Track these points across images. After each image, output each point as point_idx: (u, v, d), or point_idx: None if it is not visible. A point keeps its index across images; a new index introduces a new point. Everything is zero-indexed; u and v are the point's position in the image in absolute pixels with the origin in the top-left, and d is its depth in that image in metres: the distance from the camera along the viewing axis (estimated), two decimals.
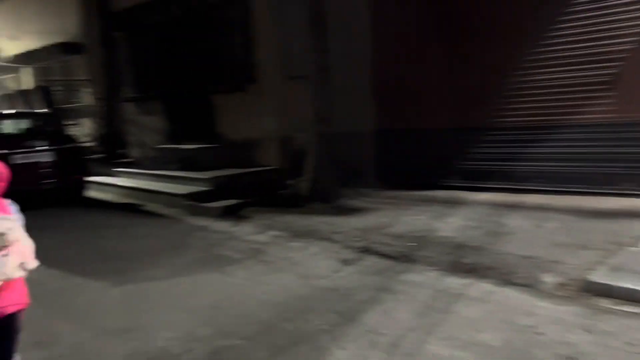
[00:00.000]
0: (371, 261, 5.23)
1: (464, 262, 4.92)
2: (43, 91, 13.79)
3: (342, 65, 8.50)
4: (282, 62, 9.15)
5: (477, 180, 7.97)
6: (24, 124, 9.81)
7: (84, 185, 9.49)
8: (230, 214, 7.51)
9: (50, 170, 8.86)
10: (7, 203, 2.48)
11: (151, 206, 8.73)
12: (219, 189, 8.42)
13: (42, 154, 8.77)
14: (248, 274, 5.10)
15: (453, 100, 8.10)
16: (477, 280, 4.54)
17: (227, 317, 4.09)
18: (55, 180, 8.90)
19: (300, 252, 5.68)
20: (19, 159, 8.51)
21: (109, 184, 10.36)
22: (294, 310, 4.16)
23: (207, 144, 9.98)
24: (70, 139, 9.53)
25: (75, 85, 15.53)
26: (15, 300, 2.39)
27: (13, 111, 10.97)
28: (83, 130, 15.14)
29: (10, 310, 2.37)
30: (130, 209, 8.75)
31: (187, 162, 9.67)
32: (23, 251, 2.30)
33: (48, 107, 13.07)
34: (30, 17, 17.98)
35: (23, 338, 3.99)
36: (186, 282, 4.96)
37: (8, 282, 2.28)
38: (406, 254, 5.27)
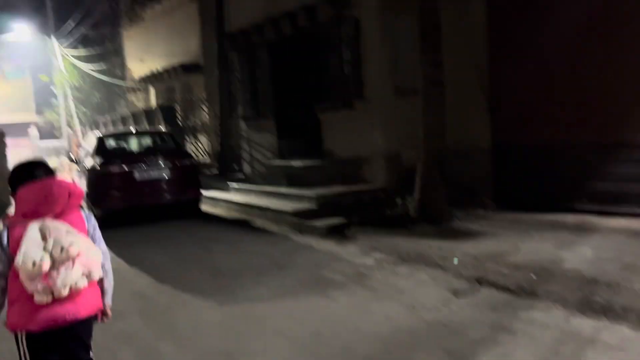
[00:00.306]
0: (486, 294, 4.77)
1: (596, 300, 4.30)
2: (165, 110, 14.68)
3: (454, 77, 8.07)
4: (391, 77, 8.90)
5: (614, 204, 6.99)
6: (146, 142, 10.42)
7: (200, 200, 9.86)
8: (335, 233, 7.34)
9: (170, 185, 9.29)
10: (83, 216, 2.62)
11: (260, 222, 8.83)
12: (324, 207, 8.30)
13: (163, 170, 9.22)
14: (352, 300, 4.86)
15: (585, 112, 7.25)
16: (612, 323, 3.94)
17: (328, 348, 3.88)
18: (174, 195, 9.32)
19: (407, 279, 5.34)
20: (142, 175, 9.01)
21: (222, 199, 10.68)
22: (399, 345, 3.85)
23: (314, 161, 9.96)
24: (188, 155, 9.96)
25: (194, 103, 16.38)
26: (86, 307, 2.47)
27: (137, 129, 11.77)
28: (200, 146, 15.91)
29: (81, 316, 2.44)
30: (241, 224, 8.90)
31: (295, 178, 9.69)
32: (87, 262, 2.42)
33: (169, 125, 13.89)
34: (157, 40, 19.33)
35: (127, 355, 4.11)
36: (289, 305, 4.83)
37: (77, 291, 2.39)
38: (527, 288, 4.73)
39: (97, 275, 2.49)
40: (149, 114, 15.72)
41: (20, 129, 30.27)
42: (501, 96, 8.25)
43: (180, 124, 15.29)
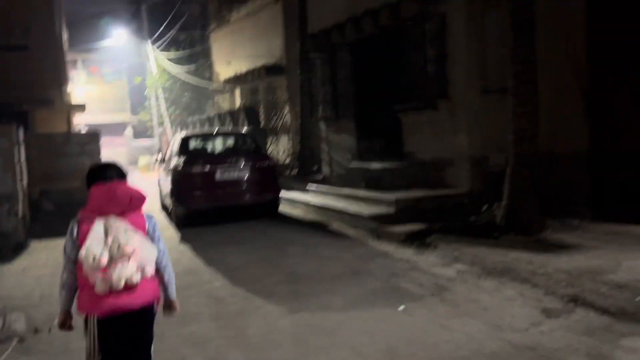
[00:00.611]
0: (582, 315, 4.28)
1: None
2: (248, 111, 14.89)
3: (548, 76, 7.46)
4: (478, 76, 8.41)
5: None
6: (228, 142, 10.56)
7: (278, 201, 9.84)
8: (414, 240, 7.00)
9: (249, 186, 9.34)
10: (145, 217, 2.80)
11: (336, 225, 8.65)
12: (403, 212, 7.98)
13: (243, 171, 9.27)
14: (430, 315, 4.54)
15: None
16: None
17: None
18: (253, 196, 9.36)
19: (492, 294, 4.93)
20: (222, 176, 9.12)
21: (300, 200, 10.62)
22: None
23: (394, 163, 9.64)
24: (268, 156, 10.00)
25: (276, 105, 16.52)
26: (140, 299, 2.66)
27: (218, 130, 11.97)
28: (281, 147, 16.01)
29: (135, 307, 2.64)
30: (317, 227, 8.78)
31: (373, 181, 9.43)
32: (142, 259, 2.63)
33: (251, 125, 14.07)
34: (242, 42, 19.71)
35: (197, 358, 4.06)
36: (362, 316, 4.59)
37: (132, 284, 2.60)
38: (630, 311, 4.20)
39: (150, 271, 2.69)
40: (233, 115, 16.04)
41: (117, 129, 32.13)
42: (601, 97, 7.51)
43: (262, 125, 15.45)
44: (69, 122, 16.36)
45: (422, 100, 9.01)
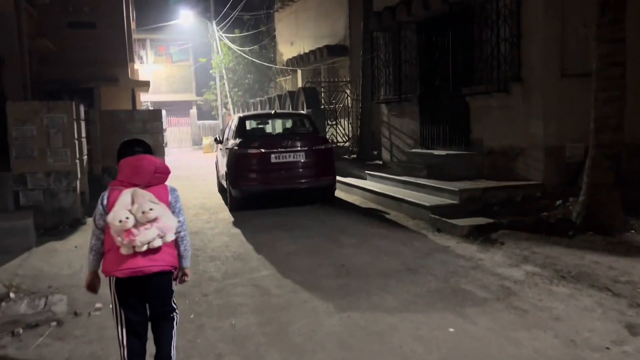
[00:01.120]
0: None
1: None
2: (307, 92, 14.54)
3: (635, 58, 6.64)
4: (556, 57, 7.65)
5: None
6: (284, 124, 10.26)
7: (334, 186, 9.46)
8: (478, 235, 6.45)
9: (305, 170, 9.01)
10: (168, 189, 3.05)
11: (394, 214, 8.20)
12: (467, 203, 7.42)
13: (298, 154, 8.95)
14: (493, 323, 4.04)
15: None
16: None
17: None
18: (309, 180, 9.03)
19: (566, 302, 4.36)
20: (278, 158, 8.83)
21: (357, 186, 10.21)
22: None
23: (458, 150, 9.04)
24: (325, 139, 9.59)
25: (337, 86, 16.09)
26: (160, 262, 2.90)
27: (276, 111, 11.66)
28: (341, 130, 15.59)
29: (155, 269, 2.87)
30: (374, 215, 8.35)
31: (436, 169, 8.88)
32: (163, 226, 2.88)
33: (310, 107, 13.71)
34: (306, 23, 19.36)
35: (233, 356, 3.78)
36: (417, 320, 4.15)
37: (153, 248, 2.85)
38: None
39: (169, 238, 2.92)
40: (293, 96, 15.75)
41: (182, 109, 32.74)
42: None
43: (322, 106, 15.07)
44: (133, 99, 16.60)
45: (493, 83, 8.32)
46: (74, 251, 6.68)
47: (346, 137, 15.54)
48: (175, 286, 3.11)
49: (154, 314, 3.01)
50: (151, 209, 2.82)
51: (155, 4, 29.78)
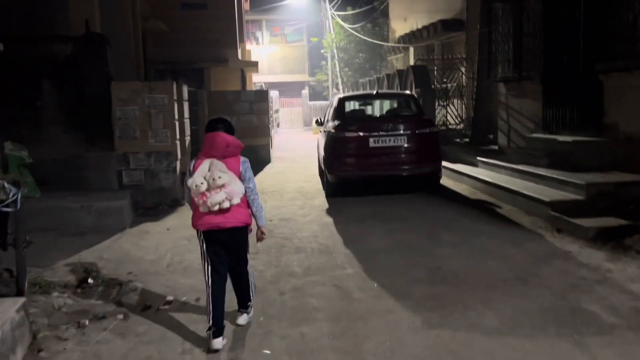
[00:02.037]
0: None
1: None
2: (417, 71, 13.62)
3: None
4: None
5: None
6: (386, 105, 9.56)
7: (439, 174, 8.63)
8: (607, 239, 5.40)
9: (407, 155, 8.30)
10: (240, 160, 3.65)
11: (507, 209, 7.25)
12: (596, 200, 6.30)
13: (400, 138, 8.24)
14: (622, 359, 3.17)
15: None
16: None
17: None
18: (411, 166, 8.32)
19: None
20: (377, 142, 8.20)
21: (467, 174, 9.28)
22: None
23: (588, 136, 7.79)
24: (430, 122, 8.73)
25: (452, 64, 14.98)
26: (231, 220, 3.55)
27: (377, 92, 10.91)
28: (453, 111, 14.52)
29: (229, 225, 3.55)
30: (483, 209, 7.46)
31: (559, 158, 7.73)
32: (230, 191, 3.47)
33: (419, 87, 12.82)
34: None
35: None
36: (520, 348, 3.40)
37: (223, 209, 3.49)
38: None
39: (235, 201, 3.52)
40: (401, 75, 14.88)
41: (296, 89, 32.96)
42: None
43: (433, 86, 14.06)
44: (243, 80, 16.72)
45: (635, 58, 6.97)
46: (164, 234, 6.60)
47: (459, 119, 14.43)
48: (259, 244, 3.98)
49: (232, 267, 3.71)
50: (220, 177, 3.44)
51: None
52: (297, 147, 18.57)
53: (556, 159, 7.82)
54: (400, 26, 20.43)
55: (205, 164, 3.47)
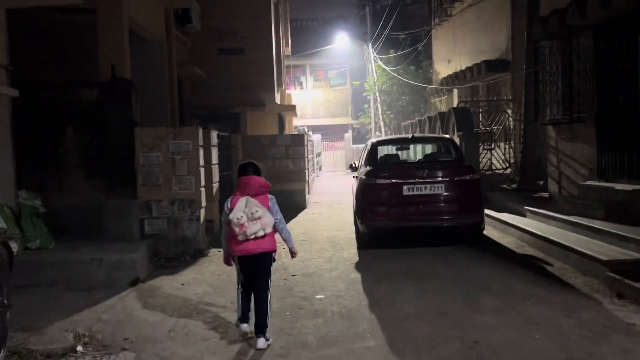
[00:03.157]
0: None
1: None
2: (459, 113, 12.97)
3: None
4: None
5: None
6: (422, 150, 8.96)
7: (481, 224, 7.89)
8: None
9: (444, 204, 7.66)
10: (268, 197, 4.47)
11: (558, 267, 6.43)
12: None
13: (437, 186, 7.61)
14: None
15: None
16: None
17: None
18: (449, 216, 7.64)
19: None
20: (411, 190, 7.58)
21: (514, 225, 8.46)
22: None
23: None
24: (470, 169, 8.05)
25: (497, 106, 14.26)
26: (263, 246, 4.36)
27: (413, 135, 10.32)
28: (499, 156, 13.70)
29: (260, 250, 4.35)
30: (530, 266, 6.66)
31: (617, 209, 6.89)
32: (264, 223, 4.33)
33: (461, 130, 12.15)
34: (463, 38, 17.89)
35: None
36: None
37: (257, 237, 4.32)
38: None
39: (268, 230, 4.37)
40: (443, 118, 14.26)
41: (339, 132, 32.72)
42: None
43: (476, 129, 13.34)
44: (282, 124, 16.49)
45: None
46: (177, 290, 6.12)
47: (506, 164, 13.59)
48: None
49: (256, 288, 4.38)
50: (256, 211, 4.27)
51: (313, 28, 30.31)
52: (335, 191, 18.00)
53: (614, 210, 6.98)
54: (443, 68, 19.95)
55: (242, 202, 4.30)
